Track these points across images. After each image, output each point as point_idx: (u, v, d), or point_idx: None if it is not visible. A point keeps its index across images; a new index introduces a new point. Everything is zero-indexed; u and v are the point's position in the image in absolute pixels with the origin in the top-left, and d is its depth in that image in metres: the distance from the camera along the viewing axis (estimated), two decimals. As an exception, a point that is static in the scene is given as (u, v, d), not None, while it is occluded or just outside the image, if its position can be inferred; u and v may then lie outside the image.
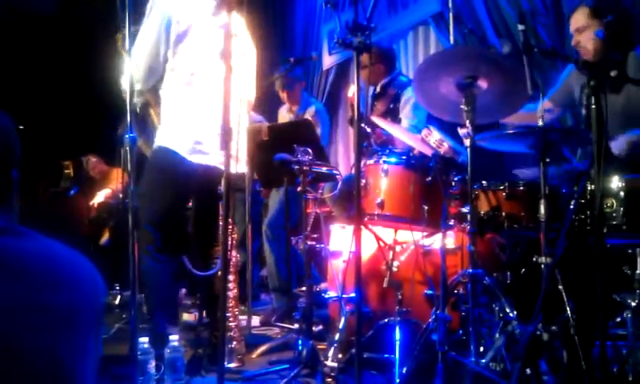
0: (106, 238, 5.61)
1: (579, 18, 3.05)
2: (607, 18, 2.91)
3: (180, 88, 2.96)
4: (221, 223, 2.92)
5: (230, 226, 3.02)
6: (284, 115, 5.08)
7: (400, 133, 3.49)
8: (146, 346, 2.64)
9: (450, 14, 3.74)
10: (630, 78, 2.77)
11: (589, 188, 2.49)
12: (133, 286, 2.42)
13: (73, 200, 6.53)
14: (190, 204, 3.31)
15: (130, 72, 2.50)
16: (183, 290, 4.59)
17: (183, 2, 2.94)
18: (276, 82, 4.83)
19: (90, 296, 0.98)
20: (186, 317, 4.09)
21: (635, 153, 2.77)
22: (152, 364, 2.65)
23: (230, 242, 2.99)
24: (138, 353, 2.51)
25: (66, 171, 6.80)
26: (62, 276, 0.94)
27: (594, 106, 2.09)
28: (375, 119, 3.57)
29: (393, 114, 4.08)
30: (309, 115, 4.84)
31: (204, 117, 2.95)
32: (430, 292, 3.02)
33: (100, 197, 6.06)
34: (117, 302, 4.77)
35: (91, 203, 6.07)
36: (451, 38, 3.82)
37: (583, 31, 3.04)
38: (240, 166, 3.14)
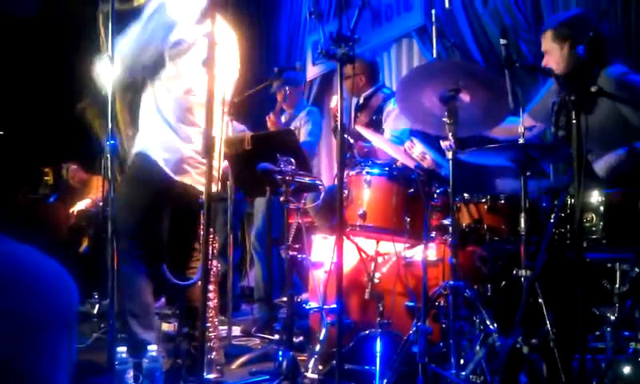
0: (85, 245, 5.54)
1: (544, 41, 3.12)
2: (575, 37, 2.98)
3: (171, 101, 2.94)
4: (202, 232, 2.90)
5: (211, 236, 3.00)
6: (280, 120, 5.07)
7: (383, 143, 3.49)
8: (124, 355, 2.60)
9: (434, 28, 3.77)
10: (609, 93, 2.81)
11: (569, 202, 2.52)
12: (111, 294, 2.39)
13: (52, 207, 6.46)
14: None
15: (112, 74, 2.48)
16: (162, 300, 4.54)
17: (187, 19, 2.94)
18: (274, 83, 4.79)
19: (63, 302, 0.96)
20: (165, 327, 4.05)
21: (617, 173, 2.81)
22: (130, 374, 2.61)
23: (210, 252, 2.97)
24: (116, 363, 2.47)
25: (46, 178, 6.74)
26: (32, 281, 0.92)
27: (574, 121, 2.12)
28: (359, 129, 3.58)
29: (375, 126, 4.09)
30: (301, 115, 4.83)
31: (192, 133, 2.93)
32: (411, 304, 3.02)
33: (80, 205, 5.99)
34: (95, 311, 4.71)
35: (71, 211, 6.00)
36: (434, 52, 3.85)
37: (549, 54, 3.10)
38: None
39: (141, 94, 3.07)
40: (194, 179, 2.96)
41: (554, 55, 3.08)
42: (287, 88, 4.87)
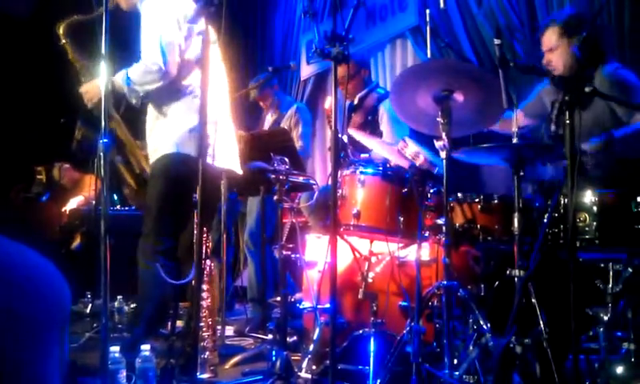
0: (77, 242, 5.52)
1: (550, 38, 3.10)
2: (581, 34, 2.97)
3: (187, 98, 2.96)
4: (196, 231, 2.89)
5: (205, 235, 2.99)
6: (268, 120, 5.08)
7: (376, 144, 3.49)
8: (117, 355, 2.59)
9: (428, 28, 3.76)
10: (603, 93, 2.82)
11: (562, 202, 2.52)
12: (104, 294, 2.38)
13: (44, 206, 6.43)
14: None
15: (106, 76, 2.47)
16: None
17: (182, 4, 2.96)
18: (252, 90, 4.84)
19: (55, 302, 0.95)
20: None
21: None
22: (123, 374, 2.61)
23: (204, 251, 2.96)
24: (109, 362, 2.46)
25: (39, 177, 6.71)
26: (24, 280, 0.91)
27: (567, 121, 2.12)
28: (351, 132, 3.58)
29: (371, 126, 4.10)
30: (290, 113, 4.84)
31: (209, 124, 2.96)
32: (404, 303, 3.02)
33: (72, 204, 5.97)
34: (88, 310, 4.68)
35: (63, 210, 5.98)
36: (428, 52, 3.84)
37: (555, 50, 3.09)
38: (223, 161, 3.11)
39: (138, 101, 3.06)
40: (222, 161, 2.97)
41: (560, 51, 3.06)
42: (264, 93, 4.90)
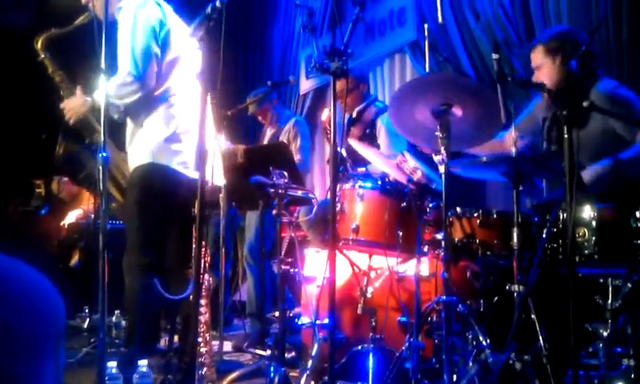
0: (76, 259, 5.50)
1: (536, 57, 3.13)
2: (568, 49, 3.00)
3: (162, 107, 2.93)
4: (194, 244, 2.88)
5: (203, 248, 2.98)
6: (267, 134, 5.09)
7: (375, 157, 3.49)
8: (114, 371, 2.58)
9: (426, 43, 3.79)
10: (600, 107, 2.83)
11: (561, 217, 2.51)
12: (102, 308, 2.36)
13: (43, 219, 6.41)
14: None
15: (106, 90, 2.47)
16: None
17: (173, 23, 2.94)
18: (250, 106, 4.84)
19: (49, 317, 0.95)
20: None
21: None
22: (120, 390, 2.59)
23: (202, 265, 2.95)
24: (106, 378, 2.45)
25: (38, 190, 6.70)
26: (19, 295, 0.91)
27: (565, 136, 2.12)
28: (352, 142, 3.58)
29: (369, 140, 4.10)
30: (288, 127, 4.84)
31: (184, 133, 2.93)
32: (403, 319, 3.00)
33: (71, 217, 5.96)
34: (85, 325, 4.66)
35: (62, 224, 5.96)
36: (427, 66, 3.87)
37: (541, 68, 3.11)
38: (217, 179, 3.10)
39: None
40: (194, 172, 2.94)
41: (545, 70, 3.09)
42: (263, 107, 4.91)
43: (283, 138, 4.78)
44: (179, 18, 3.10)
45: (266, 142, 5.02)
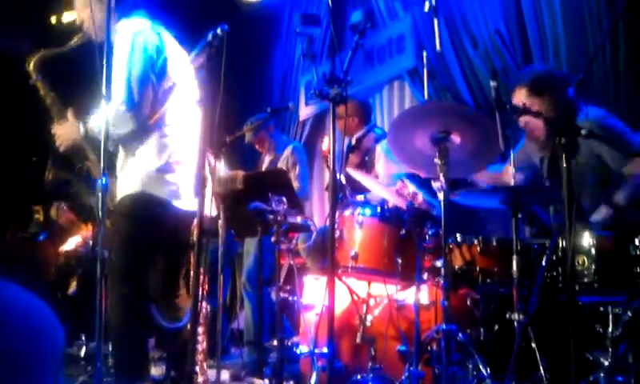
0: (73, 287, 5.47)
1: (520, 99, 3.08)
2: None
3: (155, 136, 2.92)
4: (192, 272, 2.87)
5: (202, 276, 2.96)
6: (265, 162, 5.09)
7: (374, 184, 3.49)
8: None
9: (425, 70, 3.81)
10: (598, 135, 2.84)
11: (560, 245, 2.51)
12: (99, 336, 2.34)
13: (41, 246, 6.39)
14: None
15: (106, 115, 2.46)
16: (151, 342, 4.46)
17: (170, 50, 2.94)
18: (247, 133, 4.83)
19: (48, 344, 0.94)
20: (153, 371, 3.97)
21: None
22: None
23: (200, 293, 2.93)
24: (102, 408, 2.41)
25: (36, 216, 6.69)
26: (18, 322, 0.90)
27: (564, 165, 2.12)
28: (350, 171, 3.59)
29: (367, 167, 4.11)
30: (287, 154, 4.84)
31: (177, 163, 2.92)
32: (403, 348, 2.97)
33: (70, 244, 5.94)
34: (82, 353, 4.61)
35: (60, 250, 5.95)
36: (425, 93, 3.89)
37: (530, 107, 3.09)
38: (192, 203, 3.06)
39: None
40: (188, 203, 2.92)
41: (535, 109, 3.06)
42: (259, 136, 4.92)
43: (282, 165, 4.78)
44: (178, 44, 3.11)
45: (264, 168, 5.02)
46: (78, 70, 2.61)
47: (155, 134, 2.91)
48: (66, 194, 2.95)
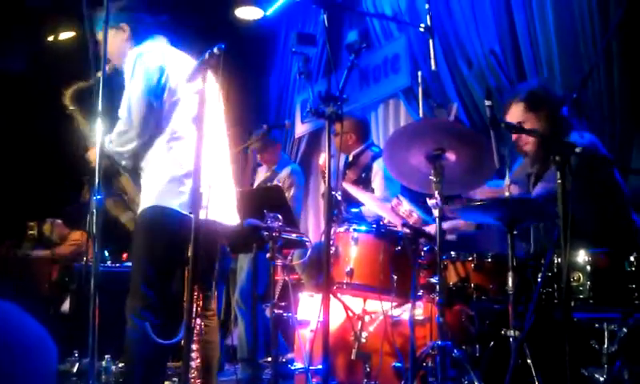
0: (66, 305, 5.45)
1: (516, 114, 3.08)
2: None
3: (164, 150, 2.93)
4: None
5: (196, 293, 2.95)
6: (260, 175, 5.10)
7: (370, 200, 3.51)
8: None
9: (420, 89, 3.84)
10: (593, 155, 2.86)
11: (556, 261, 2.51)
12: (92, 352, 2.33)
13: (35, 262, 6.38)
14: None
15: (101, 134, 2.49)
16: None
17: (175, 67, 2.96)
18: (253, 144, 4.85)
19: (41, 363, 0.93)
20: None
21: None
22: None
23: (194, 309, 2.91)
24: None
25: (30, 232, 6.69)
26: (12, 340, 0.90)
27: (559, 181, 2.14)
28: (347, 186, 3.60)
29: (364, 184, 4.12)
30: (285, 175, 4.86)
31: (188, 176, 2.91)
32: (398, 364, 2.96)
33: (65, 249, 5.99)
34: (75, 369, 4.57)
35: (55, 254, 5.99)
36: (420, 112, 3.92)
37: (525, 123, 3.11)
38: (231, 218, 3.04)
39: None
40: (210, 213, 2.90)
41: (531, 124, 3.08)
42: (269, 150, 4.94)
43: (277, 182, 4.79)
44: (186, 55, 3.14)
45: (257, 183, 5.03)
46: (109, 99, 2.71)
47: (165, 148, 2.93)
48: (104, 210, 2.99)
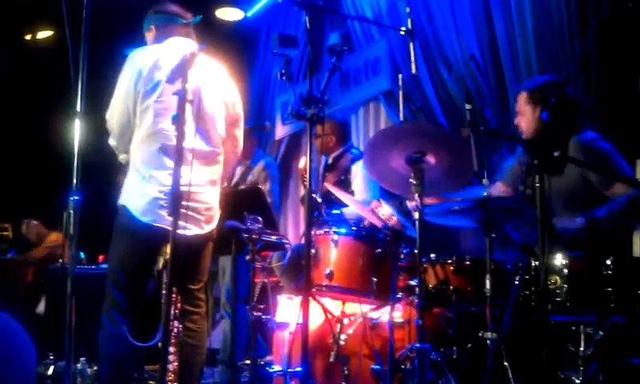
0: (41, 307, 5.37)
1: (519, 103, 3.21)
2: (548, 100, 3.05)
3: (142, 145, 2.90)
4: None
5: (174, 295, 2.93)
6: (237, 171, 5.06)
7: (351, 202, 3.51)
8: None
9: (400, 92, 3.86)
10: (572, 157, 2.89)
11: (533, 264, 2.54)
12: (68, 355, 2.30)
13: (9, 263, 6.29)
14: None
15: (80, 133, 2.47)
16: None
17: (154, 59, 2.92)
18: None
19: (21, 366, 0.92)
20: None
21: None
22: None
23: (172, 312, 2.89)
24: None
25: (5, 233, 6.60)
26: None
27: (537, 184, 2.16)
28: (329, 186, 3.60)
29: (344, 186, 4.12)
30: (259, 168, 4.83)
31: (161, 175, 2.86)
32: (377, 367, 2.96)
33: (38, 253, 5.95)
34: (50, 372, 4.50)
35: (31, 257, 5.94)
36: (401, 115, 3.93)
37: (522, 115, 3.19)
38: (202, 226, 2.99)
39: None
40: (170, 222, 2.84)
41: (526, 117, 3.17)
42: (246, 144, 4.89)
43: (253, 179, 4.77)
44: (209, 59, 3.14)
45: (235, 179, 4.99)
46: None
47: (137, 149, 2.90)
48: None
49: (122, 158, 3.05)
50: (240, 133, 3.24)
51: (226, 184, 3.50)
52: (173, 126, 2.86)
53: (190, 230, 2.84)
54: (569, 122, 3.07)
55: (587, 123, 3.24)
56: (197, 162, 2.79)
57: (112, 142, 3.01)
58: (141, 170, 2.86)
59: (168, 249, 3.12)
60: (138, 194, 2.84)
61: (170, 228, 2.73)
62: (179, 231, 2.64)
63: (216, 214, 3.05)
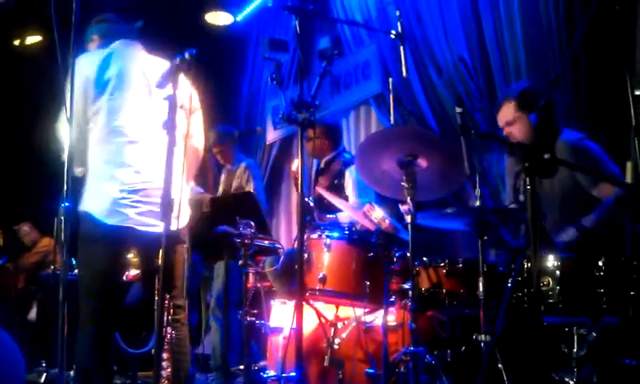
0: (33, 313, 5.34)
1: (507, 112, 3.18)
2: (539, 103, 3.07)
3: (99, 145, 2.86)
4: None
5: (166, 301, 2.91)
6: (222, 179, 5.04)
7: (343, 206, 3.51)
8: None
9: (391, 96, 3.86)
10: (562, 160, 2.91)
11: (526, 266, 2.55)
12: (60, 362, 2.28)
13: (1, 270, 6.26)
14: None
15: (69, 139, 2.44)
16: (114, 368, 4.36)
17: (100, 59, 2.90)
18: (209, 137, 4.76)
19: (8, 371, 0.92)
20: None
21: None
22: None
23: (165, 318, 2.87)
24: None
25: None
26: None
27: (528, 187, 2.16)
28: (321, 191, 3.59)
29: (336, 190, 4.12)
30: (240, 170, 4.81)
31: (122, 173, 2.82)
32: (371, 370, 2.96)
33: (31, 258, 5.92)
34: (42, 380, 4.48)
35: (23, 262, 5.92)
36: (391, 118, 3.94)
37: (513, 123, 3.18)
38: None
39: None
40: (135, 220, 2.81)
41: (519, 124, 3.14)
42: (222, 145, 4.88)
43: (237, 183, 4.75)
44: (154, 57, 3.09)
45: (221, 186, 4.97)
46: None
47: (99, 148, 2.86)
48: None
49: (78, 171, 2.96)
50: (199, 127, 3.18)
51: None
52: (129, 122, 2.86)
53: (155, 227, 2.77)
54: (555, 122, 3.09)
55: (568, 124, 3.26)
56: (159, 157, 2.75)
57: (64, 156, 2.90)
58: (102, 172, 2.81)
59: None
60: (99, 195, 2.79)
61: (137, 227, 2.72)
62: (142, 228, 2.66)
63: (184, 211, 2.98)
